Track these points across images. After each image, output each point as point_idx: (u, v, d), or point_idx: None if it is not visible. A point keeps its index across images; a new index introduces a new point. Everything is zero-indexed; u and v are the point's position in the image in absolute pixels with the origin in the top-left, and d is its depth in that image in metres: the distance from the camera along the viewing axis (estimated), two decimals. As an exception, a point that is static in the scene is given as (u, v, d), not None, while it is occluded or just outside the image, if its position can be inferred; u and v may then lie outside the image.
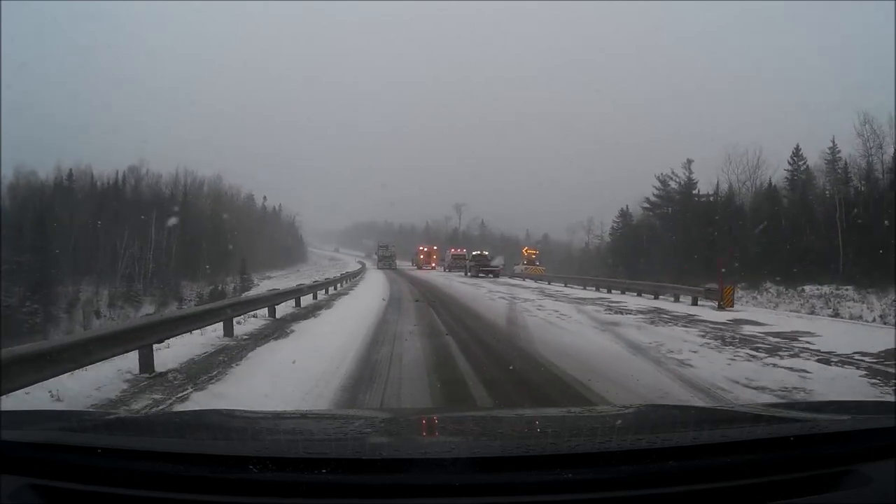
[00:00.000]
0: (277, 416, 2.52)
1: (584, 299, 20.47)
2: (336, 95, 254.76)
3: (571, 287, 29.88)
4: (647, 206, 58.08)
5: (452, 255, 58.47)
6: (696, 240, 44.20)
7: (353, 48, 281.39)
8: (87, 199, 57.10)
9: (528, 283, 35.49)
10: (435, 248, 70.92)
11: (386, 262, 60.32)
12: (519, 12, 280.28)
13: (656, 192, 56.73)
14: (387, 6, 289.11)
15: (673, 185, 54.90)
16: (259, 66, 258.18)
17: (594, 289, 27.32)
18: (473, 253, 50.57)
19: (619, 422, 2.24)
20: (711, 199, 50.56)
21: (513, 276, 44.43)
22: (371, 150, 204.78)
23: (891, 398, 6.00)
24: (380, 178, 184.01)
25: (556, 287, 30.24)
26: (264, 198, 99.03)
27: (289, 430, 2.06)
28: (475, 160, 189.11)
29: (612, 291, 25.17)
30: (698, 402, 5.55)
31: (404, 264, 67.78)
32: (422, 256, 67.37)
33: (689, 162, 53.47)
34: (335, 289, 25.89)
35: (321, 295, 21.26)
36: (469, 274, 43.89)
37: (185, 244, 58.79)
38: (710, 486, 1.36)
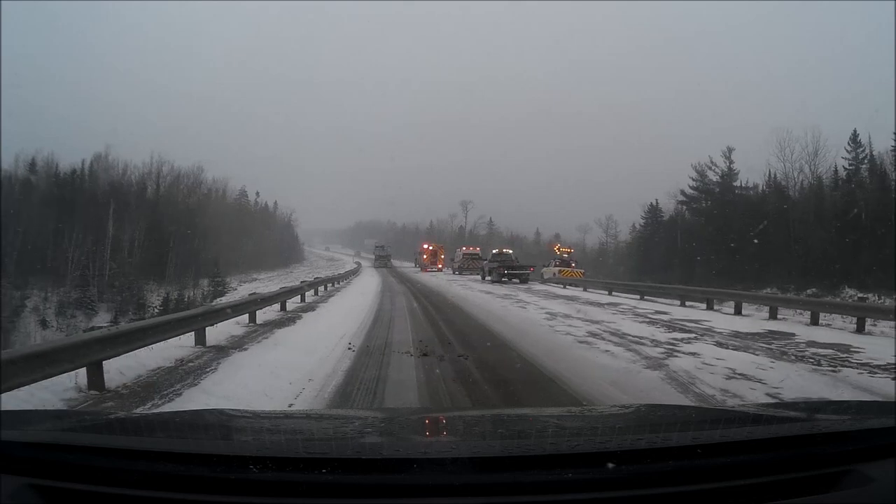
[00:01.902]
0: (277, 416, 2.52)
1: (756, 337, 10.79)
2: (339, 95, 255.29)
3: (654, 301, 19.67)
4: (683, 199, 51.11)
5: (464, 253, 50.28)
6: (744, 236, 38.54)
7: (356, 48, 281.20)
8: (45, 192, 49.99)
9: (575, 291, 25.95)
10: (441, 246, 62.78)
11: (382, 261, 63.98)
12: (520, 12, 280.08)
13: (693, 183, 50.20)
14: (391, 6, 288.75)
15: (712, 176, 48.73)
16: (262, 66, 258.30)
17: (705, 306, 17.49)
18: (494, 251, 39.76)
19: (619, 422, 2.24)
20: (763, 190, 45.09)
21: (543, 280, 34.99)
22: (373, 149, 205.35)
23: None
24: (382, 178, 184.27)
25: (629, 300, 19.91)
26: (257, 193, 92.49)
27: (289, 430, 2.06)
28: (480, 160, 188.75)
29: (743, 312, 15.79)
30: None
31: (406, 265, 64.14)
32: (426, 256, 57.84)
33: (730, 150, 47.51)
34: (304, 299, 18.17)
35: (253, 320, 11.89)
36: (489, 278, 34.43)
37: (153, 242, 51.49)
38: (709, 486, 1.36)
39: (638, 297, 21.58)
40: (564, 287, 29.58)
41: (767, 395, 6.21)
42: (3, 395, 4.59)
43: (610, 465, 1.37)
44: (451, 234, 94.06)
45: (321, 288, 24.09)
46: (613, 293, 23.83)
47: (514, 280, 32.68)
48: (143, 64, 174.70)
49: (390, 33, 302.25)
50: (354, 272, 44.07)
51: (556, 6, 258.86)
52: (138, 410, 5.20)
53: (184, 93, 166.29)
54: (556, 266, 38.28)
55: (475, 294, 23.37)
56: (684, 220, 49.93)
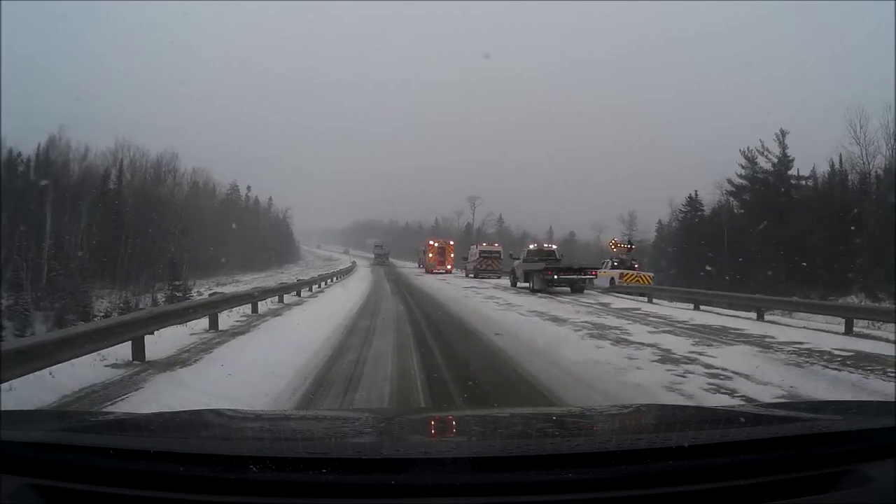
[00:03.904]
0: (277, 417, 2.52)
1: None
2: (339, 95, 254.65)
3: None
4: (732, 188, 44.12)
5: (481, 251, 40.46)
6: (814, 233, 33.08)
7: (356, 48, 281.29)
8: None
9: (682, 309, 17.32)
10: (451, 242, 52.18)
11: (380, 259, 66.59)
12: (520, 12, 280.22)
13: (742, 170, 43.54)
14: (391, 6, 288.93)
15: (763, 163, 42.38)
16: (262, 66, 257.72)
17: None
18: (532, 248, 28.99)
19: (619, 422, 2.25)
20: (826, 177, 39.52)
21: (603, 290, 25.46)
22: (374, 149, 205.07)
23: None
24: (383, 178, 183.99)
25: (828, 335, 11.72)
26: (248, 188, 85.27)
27: (289, 430, 2.07)
28: (484, 160, 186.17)
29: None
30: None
31: (409, 265, 60.68)
32: (431, 255, 48.32)
33: (783, 134, 41.46)
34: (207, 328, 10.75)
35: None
36: (523, 285, 25.43)
37: (108, 238, 43.86)
38: (709, 486, 1.36)
39: (840, 327, 12.61)
40: (650, 300, 19.97)
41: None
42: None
43: (610, 466, 1.37)
44: (458, 233, 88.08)
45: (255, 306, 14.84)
46: (763, 316, 14.95)
47: (561, 287, 23.38)
48: (143, 64, 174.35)
49: (390, 33, 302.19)
50: (343, 273, 37.76)
51: (556, 6, 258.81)
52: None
53: (184, 93, 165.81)
54: (612, 268, 28.51)
55: (536, 324, 13.03)
56: (731, 215, 43.06)
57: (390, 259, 70.59)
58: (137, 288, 43.14)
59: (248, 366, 7.78)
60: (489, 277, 36.09)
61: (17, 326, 32.66)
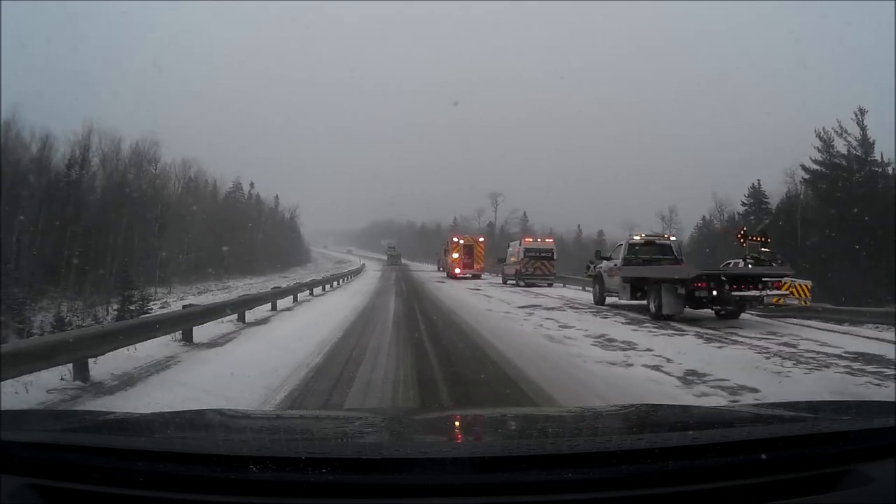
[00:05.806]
0: (277, 416, 2.53)
1: None
2: (343, 94, 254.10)
3: None
4: (807, 176, 38.00)
5: (527, 250, 29.89)
6: None
7: (356, 48, 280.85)
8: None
9: None
10: (480, 239, 41.40)
11: (392, 260, 69.75)
12: (520, 12, 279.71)
13: (819, 154, 37.48)
14: (391, 6, 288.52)
15: (840, 147, 36.54)
16: (262, 66, 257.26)
17: None
18: (636, 238, 17.18)
19: (619, 422, 2.25)
20: None
21: (769, 310, 14.58)
22: (383, 149, 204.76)
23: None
24: (392, 177, 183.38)
25: None
26: (251, 184, 79.13)
27: (289, 430, 2.06)
28: (488, 160, 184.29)
29: None
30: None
31: (426, 268, 53.99)
32: (456, 255, 38.26)
33: (862, 112, 35.75)
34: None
35: None
36: (636, 301, 14.76)
37: (68, 240, 37.94)
38: (710, 486, 1.36)
39: None
40: (879, 330, 11.43)
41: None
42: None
43: (610, 466, 1.37)
44: (479, 232, 79.35)
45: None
46: None
47: (713, 307, 13.22)
48: (143, 64, 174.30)
49: (390, 33, 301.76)
50: (358, 272, 32.03)
51: (556, 6, 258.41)
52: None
53: (184, 93, 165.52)
54: (748, 265, 18.40)
55: None
56: (805, 207, 37.17)
57: (404, 260, 74.12)
58: (93, 299, 36.06)
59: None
60: (537, 284, 27.71)
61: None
